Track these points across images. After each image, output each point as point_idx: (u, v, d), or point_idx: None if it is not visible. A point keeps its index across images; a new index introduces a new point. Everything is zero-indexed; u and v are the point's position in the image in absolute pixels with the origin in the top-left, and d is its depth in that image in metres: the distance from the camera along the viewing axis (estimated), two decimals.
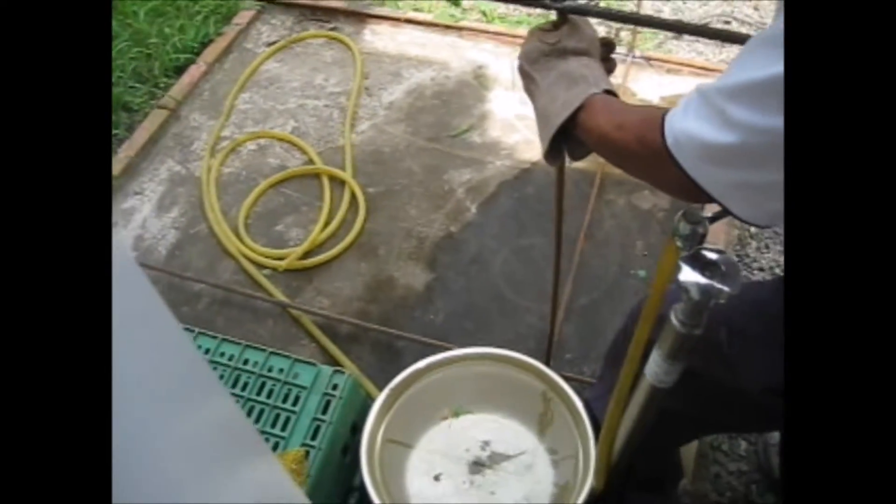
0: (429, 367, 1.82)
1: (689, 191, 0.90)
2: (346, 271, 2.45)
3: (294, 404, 1.77)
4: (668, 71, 3.03)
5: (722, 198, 0.88)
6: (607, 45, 1.21)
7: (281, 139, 2.88)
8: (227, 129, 2.95)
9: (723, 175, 0.87)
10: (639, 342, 1.14)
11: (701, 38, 3.23)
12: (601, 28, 3.19)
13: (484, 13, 3.38)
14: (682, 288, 0.91)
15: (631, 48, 3.07)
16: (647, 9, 3.42)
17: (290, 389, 1.79)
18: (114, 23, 3.28)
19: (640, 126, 0.96)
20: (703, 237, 0.96)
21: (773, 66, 0.76)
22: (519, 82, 1.24)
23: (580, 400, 1.73)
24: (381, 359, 2.21)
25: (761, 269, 2.44)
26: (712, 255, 0.92)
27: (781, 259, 2.42)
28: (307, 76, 3.15)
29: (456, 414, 1.88)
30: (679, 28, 1.46)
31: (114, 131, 2.96)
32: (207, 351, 1.88)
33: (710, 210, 1.11)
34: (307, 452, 1.69)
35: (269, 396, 1.79)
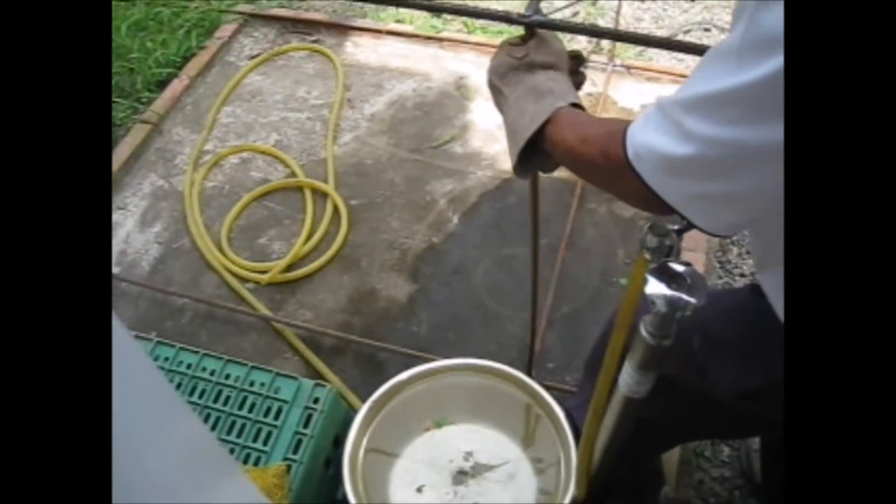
0: (411, 379, 1.82)
1: (652, 202, 0.91)
2: (329, 284, 2.46)
3: (276, 418, 1.77)
4: (649, 79, 3.05)
5: (682, 209, 0.89)
6: (576, 59, 1.22)
7: (264, 152, 2.89)
8: (210, 143, 2.96)
9: (682, 186, 0.87)
10: (613, 352, 1.15)
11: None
12: (583, 39, 3.20)
13: (465, 24, 3.39)
14: (649, 300, 0.92)
15: (611, 57, 3.08)
16: (628, 16, 3.44)
17: (271, 403, 1.79)
18: None
19: (603, 139, 0.97)
20: (670, 249, 0.97)
21: (727, 78, 0.76)
22: None
23: (562, 409, 1.73)
24: (365, 371, 2.22)
25: (742, 275, 2.45)
26: (678, 268, 0.92)
27: None
28: (289, 89, 3.16)
29: (438, 425, 1.89)
30: (645, 41, 1.47)
31: None
32: (189, 366, 1.88)
33: (679, 222, 1.12)
34: (289, 466, 1.69)
35: (250, 411, 1.79)
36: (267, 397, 1.80)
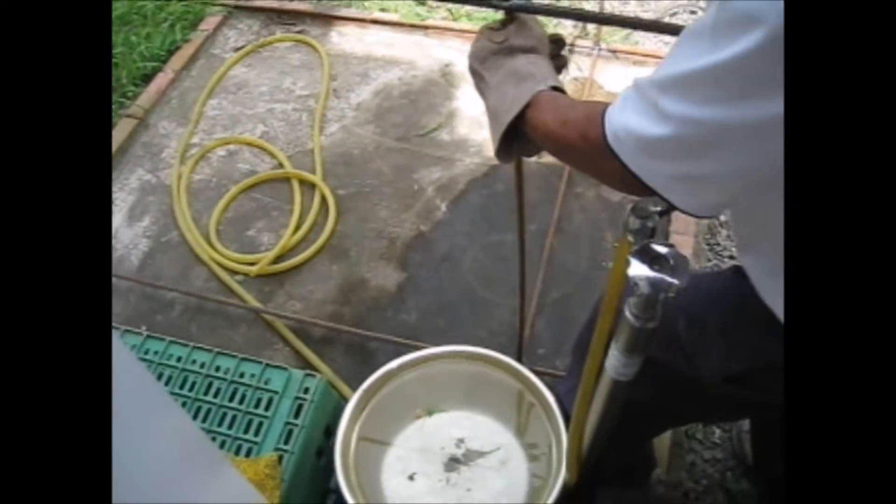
0: (401, 367, 1.83)
1: (632, 184, 0.91)
2: (318, 274, 2.46)
3: (266, 409, 1.77)
4: (635, 63, 3.05)
5: (662, 190, 0.89)
6: (556, 42, 1.22)
7: (250, 144, 2.88)
8: (197, 136, 2.95)
9: (660, 167, 0.87)
10: (600, 336, 1.15)
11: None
12: (569, 24, 3.19)
13: (450, 11, 3.38)
14: (632, 282, 0.92)
15: (597, 41, 3.08)
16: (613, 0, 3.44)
17: (262, 395, 1.79)
18: None
19: (582, 122, 0.97)
20: (653, 231, 0.97)
21: (701, 57, 0.76)
22: None
23: (552, 394, 1.73)
24: (355, 360, 2.22)
25: (731, 258, 2.45)
26: (661, 249, 0.92)
27: None
28: (275, 80, 3.15)
29: (430, 412, 1.89)
30: (628, 23, 1.47)
31: None
32: (179, 359, 1.88)
33: (661, 204, 1.12)
34: (280, 457, 1.69)
35: (241, 402, 1.79)
36: (257, 388, 1.80)
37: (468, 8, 3.40)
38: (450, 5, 3.41)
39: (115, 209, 2.71)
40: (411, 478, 1.80)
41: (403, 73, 3.11)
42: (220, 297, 2.40)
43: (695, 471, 2.00)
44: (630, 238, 0.97)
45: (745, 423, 1.97)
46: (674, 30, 1.21)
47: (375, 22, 3.35)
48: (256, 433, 1.74)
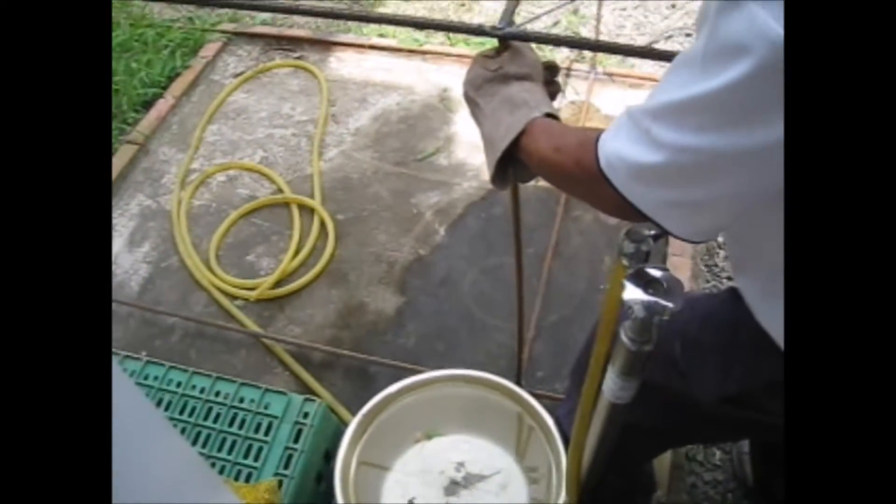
0: (400, 392, 1.83)
1: (626, 210, 0.92)
2: (318, 299, 2.46)
3: (266, 434, 1.78)
4: (631, 86, 3.07)
5: (655, 216, 0.90)
6: (550, 69, 1.23)
7: (250, 169, 2.90)
8: (197, 162, 2.96)
9: (654, 194, 0.88)
10: (597, 359, 1.16)
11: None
12: (565, 48, 3.22)
13: (447, 37, 3.41)
14: (627, 306, 0.93)
15: (593, 65, 3.10)
16: (610, 24, 3.46)
17: (261, 419, 1.80)
18: None
19: (576, 149, 0.98)
20: (647, 255, 0.98)
21: (692, 86, 0.78)
22: None
23: (551, 417, 1.74)
24: (355, 385, 2.22)
25: (730, 279, 2.46)
26: (655, 273, 0.93)
27: None
28: (274, 106, 3.17)
29: (429, 436, 1.89)
30: (615, 49, 1.49)
31: None
32: (179, 384, 1.89)
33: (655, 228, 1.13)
34: (280, 482, 1.69)
35: (241, 427, 1.80)
36: (257, 413, 1.81)
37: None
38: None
39: (115, 235, 2.73)
40: (411, 502, 1.80)
41: (401, 98, 3.13)
42: (220, 321, 2.40)
43: (695, 493, 2.00)
44: (624, 262, 0.98)
45: (745, 445, 1.98)
46: (667, 56, 1.23)
47: (374, 47, 3.37)
48: (256, 458, 1.75)
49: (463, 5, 3.65)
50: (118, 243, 2.69)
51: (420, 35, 3.41)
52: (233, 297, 2.48)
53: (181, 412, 1.83)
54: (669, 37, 3.42)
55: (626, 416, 1.16)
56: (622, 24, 3.50)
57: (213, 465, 1.74)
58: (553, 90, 1.23)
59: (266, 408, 1.82)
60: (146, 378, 1.90)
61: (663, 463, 1.97)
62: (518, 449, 1.85)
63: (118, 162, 2.94)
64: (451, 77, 3.18)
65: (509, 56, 1.18)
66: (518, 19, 3.41)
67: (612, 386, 1.10)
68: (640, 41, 3.37)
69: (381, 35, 3.45)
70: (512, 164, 1.16)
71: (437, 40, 3.40)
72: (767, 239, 0.99)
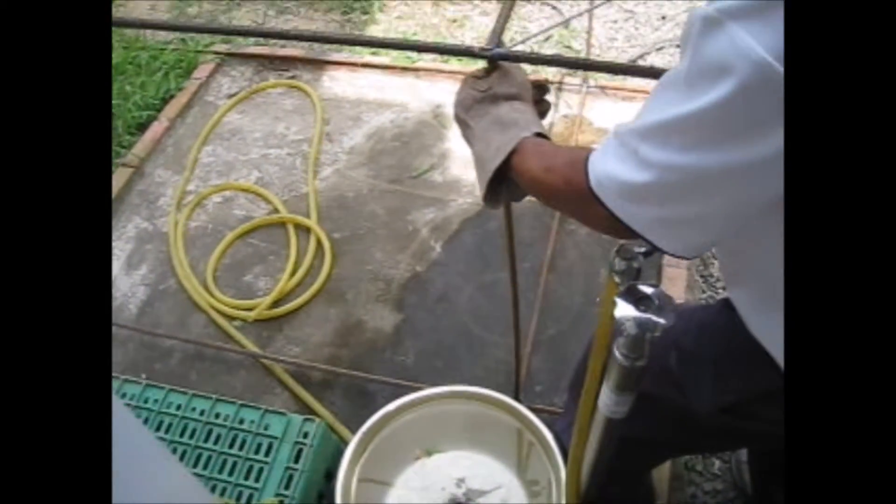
0: (400, 409, 1.84)
1: (617, 228, 0.93)
2: (316, 318, 2.47)
3: (266, 455, 1.79)
4: (623, 98, 3.08)
5: (646, 233, 0.91)
6: (539, 88, 1.25)
7: (245, 190, 2.91)
8: (192, 184, 2.97)
9: (644, 212, 0.90)
10: (593, 374, 1.17)
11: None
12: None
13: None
14: (619, 323, 0.94)
15: (585, 78, 3.12)
16: (601, 37, 3.48)
17: (261, 440, 1.81)
18: None
19: (566, 168, 1.00)
20: (638, 272, 0.99)
21: (677, 106, 0.79)
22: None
23: (550, 432, 1.74)
24: (354, 403, 2.22)
25: (725, 289, 2.47)
26: (646, 290, 0.94)
27: None
28: (269, 126, 3.18)
29: (429, 453, 1.90)
30: (602, 68, 1.50)
31: None
32: (179, 407, 1.89)
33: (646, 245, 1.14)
34: (281, 502, 1.70)
35: (241, 448, 1.80)
36: (257, 434, 1.81)
37: None
38: None
39: (112, 258, 2.73)
40: None
41: (395, 115, 3.15)
42: (219, 343, 2.41)
43: (696, 503, 2.00)
44: (616, 279, 0.99)
45: (744, 454, 1.98)
46: (655, 73, 1.24)
47: (366, 65, 3.39)
48: (257, 479, 1.75)
49: (455, 22, 3.67)
50: (116, 266, 2.70)
51: (412, 52, 3.42)
52: (231, 318, 2.49)
53: (181, 434, 1.84)
54: (660, 48, 3.43)
55: (623, 428, 1.17)
56: (613, 37, 3.52)
57: (213, 487, 1.74)
58: (543, 109, 1.25)
59: (266, 428, 1.83)
60: (146, 401, 1.91)
61: (663, 474, 1.98)
62: (519, 464, 1.85)
63: (114, 184, 2.95)
64: (444, 94, 3.20)
65: (498, 76, 1.20)
66: (510, 34, 3.44)
67: (608, 401, 1.11)
68: (632, 53, 3.39)
69: (374, 53, 3.46)
70: (503, 183, 1.17)
71: (429, 57, 3.41)
72: (759, 251, 1.00)
